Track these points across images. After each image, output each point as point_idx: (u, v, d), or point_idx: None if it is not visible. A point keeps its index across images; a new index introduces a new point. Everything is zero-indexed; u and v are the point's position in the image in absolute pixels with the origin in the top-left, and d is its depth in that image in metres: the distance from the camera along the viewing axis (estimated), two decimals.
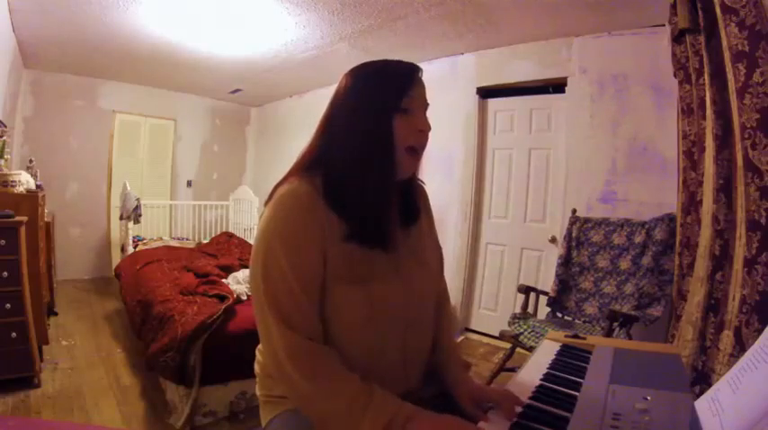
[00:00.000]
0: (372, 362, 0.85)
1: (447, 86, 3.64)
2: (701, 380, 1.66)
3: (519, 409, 0.77)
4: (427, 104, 0.89)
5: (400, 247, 0.89)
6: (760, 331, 1.27)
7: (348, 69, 0.90)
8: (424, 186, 1.05)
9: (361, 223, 0.83)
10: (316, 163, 0.87)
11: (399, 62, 0.89)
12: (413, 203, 0.97)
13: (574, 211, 2.87)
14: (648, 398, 0.74)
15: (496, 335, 2.94)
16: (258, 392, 0.98)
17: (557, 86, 3.21)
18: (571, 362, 0.98)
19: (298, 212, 0.81)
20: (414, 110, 0.85)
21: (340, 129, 0.86)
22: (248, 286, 2.81)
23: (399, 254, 0.88)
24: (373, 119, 0.83)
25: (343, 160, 0.84)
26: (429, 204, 1.07)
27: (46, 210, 3.23)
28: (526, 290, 2.70)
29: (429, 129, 0.88)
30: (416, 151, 0.87)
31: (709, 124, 1.77)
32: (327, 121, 0.88)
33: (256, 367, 0.99)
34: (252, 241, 4.98)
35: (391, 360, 0.89)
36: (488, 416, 0.78)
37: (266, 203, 0.87)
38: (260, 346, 0.98)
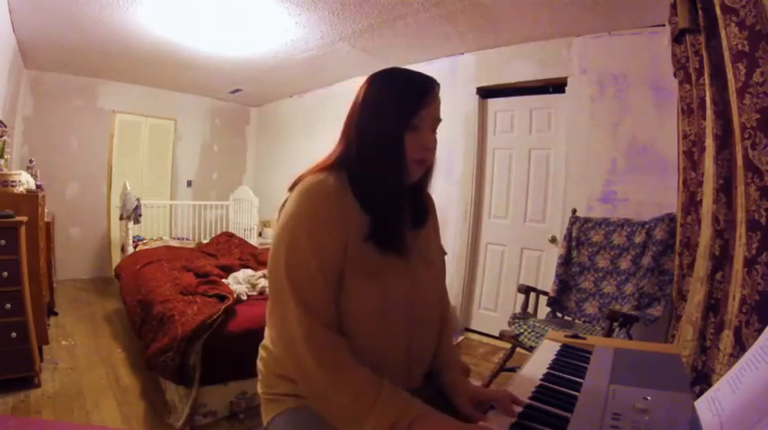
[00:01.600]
0: (378, 360, 0.86)
1: (447, 86, 3.60)
2: (701, 380, 1.66)
3: (519, 409, 0.77)
4: (439, 120, 0.93)
5: (410, 249, 0.91)
6: (760, 331, 1.27)
7: (371, 74, 0.94)
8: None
9: (378, 225, 0.86)
10: (341, 160, 0.91)
11: (418, 77, 0.91)
12: (423, 208, 1.01)
13: (574, 211, 2.87)
14: (648, 398, 0.74)
15: (496, 335, 2.94)
16: (260, 390, 0.98)
17: (557, 86, 3.21)
18: (571, 362, 0.98)
19: (325, 202, 0.83)
20: (422, 128, 0.89)
21: (357, 135, 0.90)
22: (248, 286, 2.81)
23: (410, 254, 0.91)
24: (386, 133, 0.87)
25: (361, 163, 0.88)
26: (435, 211, 1.11)
27: (46, 210, 3.22)
28: (526, 290, 2.70)
29: (434, 146, 0.92)
30: (422, 163, 0.91)
31: (710, 124, 1.77)
32: (348, 125, 0.92)
33: (259, 364, 0.99)
34: (252, 241, 4.97)
35: (396, 358, 0.90)
36: (488, 416, 0.78)
37: (290, 189, 0.89)
38: (264, 343, 0.99)
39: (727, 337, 1.53)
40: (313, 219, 0.83)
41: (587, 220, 2.78)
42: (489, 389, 0.89)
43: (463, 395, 0.90)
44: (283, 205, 0.88)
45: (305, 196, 0.84)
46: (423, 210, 1.01)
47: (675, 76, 2.17)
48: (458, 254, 3.66)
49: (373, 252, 0.85)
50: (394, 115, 0.87)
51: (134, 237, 4.48)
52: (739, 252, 1.51)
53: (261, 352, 0.99)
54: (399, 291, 0.88)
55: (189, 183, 5.82)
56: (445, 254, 1.14)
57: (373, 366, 0.82)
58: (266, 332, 0.98)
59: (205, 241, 4.89)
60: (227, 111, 6.13)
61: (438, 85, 0.92)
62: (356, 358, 0.81)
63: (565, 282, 2.73)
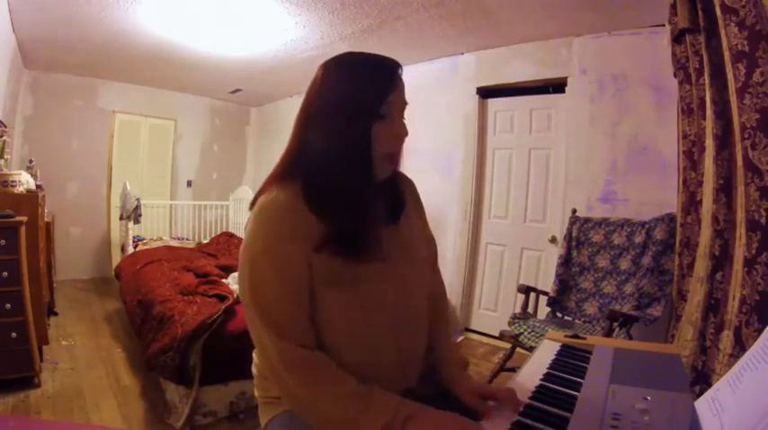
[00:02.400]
0: (368, 364, 0.85)
1: (447, 86, 3.63)
2: (701, 380, 1.66)
3: (520, 408, 0.78)
4: (405, 104, 0.85)
5: (389, 247, 0.87)
6: (760, 331, 1.27)
7: (324, 62, 0.87)
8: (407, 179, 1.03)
9: (341, 230, 0.81)
10: (295, 166, 0.85)
11: (378, 61, 0.84)
12: (397, 197, 0.94)
13: (574, 211, 2.87)
14: (648, 398, 0.74)
15: (496, 335, 2.94)
16: (256, 393, 0.98)
17: (557, 86, 3.21)
18: (571, 362, 0.98)
19: (279, 222, 0.80)
20: (392, 115, 0.82)
21: (317, 131, 0.83)
22: None
23: (388, 253, 0.86)
24: (351, 126, 0.80)
25: (322, 165, 0.82)
26: (417, 194, 1.04)
27: (46, 210, 3.22)
28: (526, 290, 2.70)
29: (406, 134, 0.85)
30: (393, 157, 0.86)
31: (710, 124, 1.77)
32: (304, 122, 0.86)
33: (254, 369, 0.99)
34: None
35: (387, 360, 0.88)
36: (492, 411, 0.78)
37: (251, 208, 0.86)
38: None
39: (727, 337, 1.53)
40: (269, 244, 0.80)
41: (587, 220, 2.78)
42: (493, 386, 0.87)
43: (464, 388, 0.89)
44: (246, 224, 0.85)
45: (258, 218, 0.82)
46: (398, 200, 0.94)
47: (675, 76, 2.17)
48: (458, 254, 3.66)
49: (341, 260, 0.81)
50: (359, 104, 0.80)
51: (134, 237, 4.48)
52: (739, 252, 1.51)
53: (254, 357, 0.99)
54: (380, 296, 0.85)
55: (189, 183, 5.82)
56: (432, 240, 1.06)
57: (364, 371, 0.81)
58: None
59: (205, 241, 4.89)
60: (227, 111, 6.13)
61: (401, 66, 0.85)
62: (345, 367, 0.80)
63: (565, 282, 2.73)
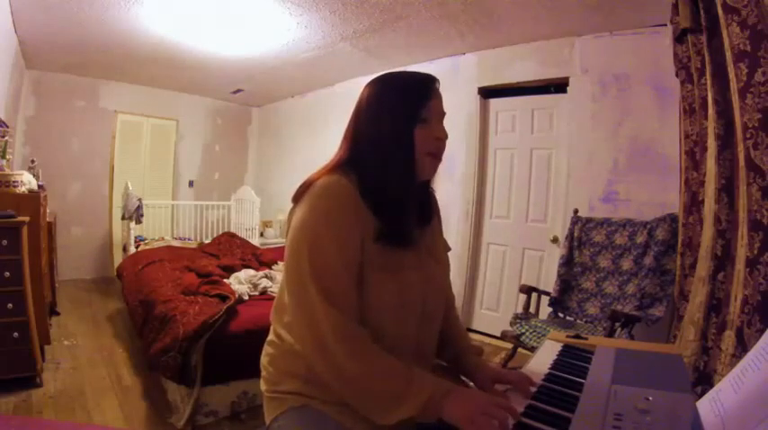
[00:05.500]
0: (393, 351, 0.87)
1: (448, 86, 3.58)
2: (703, 380, 1.66)
3: (533, 390, 0.83)
4: (444, 113, 0.95)
5: (419, 244, 0.95)
6: (762, 331, 1.27)
7: (370, 80, 0.96)
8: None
9: (388, 223, 0.88)
10: (347, 165, 0.92)
11: (417, 74, 0.94)
12: (428, 206, 1.04)
13: (575, 211, 2.87)
14: (650, 398, 0.73)
15: (498, 335, 2.93)
16: (263, 387, 0.98)
17: (558, 86, 3.21)
18: (573, 362, 0.98)
19: (341, 199, 0.86)
20: (431, 119, 0.91)
21: (366, 137, 0.92)
22: (250, 286, 2.82)
23: (419, 249, 0.95)
24: (396, 129, 0.89)
25: (371, 164, 0.90)
26: (439, 209, 1.13)
27: (48, 211, 3.23)
28: (528, 290, 2.70)
29: (446, 136, 0.94)
30: (436, 155, 0.94)
31: (711, 124, 1.77)
32: (353, 130, 0.94)
33: (264, 361, 0.99)
34: (254, 241, 4.96)
35: (407, 350, 0.92)
36: (507, 395, 0.84)
37: (295, 198, 0.91)
38: (270, 339, 1.00)
39: (728, 338, 1.53)
40: (333, 216, 0.85)
41: (589, 220, 2.78)
42: (507, 370, 0.95)
43: (485, 377, 0.95)
44: (291, 212, 0.91)
45: (323, 196, 0.86)
46: (428, 207, 1.03)
47: (677, 75, 2.17)
48: (459, 254, 3.66)
49: (387, 249, 0.88)
50: (402, 110, 0.89)
51: (136, 237, 4.49)
52: (741, 252, 1.51)
53: (267, 348, 1.00)
54: (415, 285, 0.91)
55: (191, 184, 5.83)
56: (449, 249, 1.17)
57: None
58: (272, 328, 0.99)
59: (207, 241, 4.89)
60: (228, 111, 6.14)
61: (438, 80, 0.95)
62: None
63: (566, 283, 2.73)
